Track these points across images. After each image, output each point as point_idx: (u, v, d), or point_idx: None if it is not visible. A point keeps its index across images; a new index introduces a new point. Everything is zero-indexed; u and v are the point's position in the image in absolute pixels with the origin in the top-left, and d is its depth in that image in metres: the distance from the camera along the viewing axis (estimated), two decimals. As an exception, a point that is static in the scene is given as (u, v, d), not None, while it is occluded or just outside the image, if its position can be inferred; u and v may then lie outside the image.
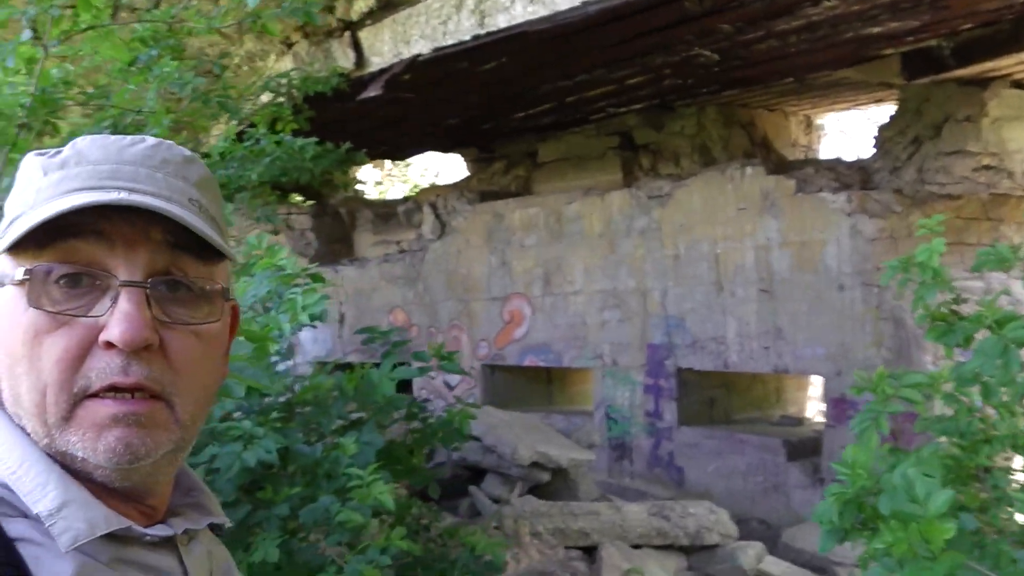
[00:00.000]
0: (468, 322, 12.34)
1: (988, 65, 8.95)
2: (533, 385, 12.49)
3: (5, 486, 0.83)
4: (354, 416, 4.16)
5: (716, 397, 10.45)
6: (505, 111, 12.64)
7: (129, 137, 0.92)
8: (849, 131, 15.18)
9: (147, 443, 0.85)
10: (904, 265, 3.58)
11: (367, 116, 11.65)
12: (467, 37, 8.51)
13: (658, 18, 8.37)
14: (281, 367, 4.35)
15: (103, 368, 0.83)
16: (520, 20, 8.03)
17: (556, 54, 9.52)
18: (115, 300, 0.84)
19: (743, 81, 10.96)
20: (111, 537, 0.84)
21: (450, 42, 8.67)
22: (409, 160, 20.64)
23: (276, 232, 7.17)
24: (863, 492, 2.60)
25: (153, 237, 0.87)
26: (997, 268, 3.42)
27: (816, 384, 10.62)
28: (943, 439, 3.33)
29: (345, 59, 9.61)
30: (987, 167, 8.89)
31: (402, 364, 4.25)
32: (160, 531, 0.90)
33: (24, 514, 0.82)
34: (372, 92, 9.62)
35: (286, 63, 9.87)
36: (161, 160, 0.91)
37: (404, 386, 11.93)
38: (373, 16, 9.36)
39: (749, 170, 9.61)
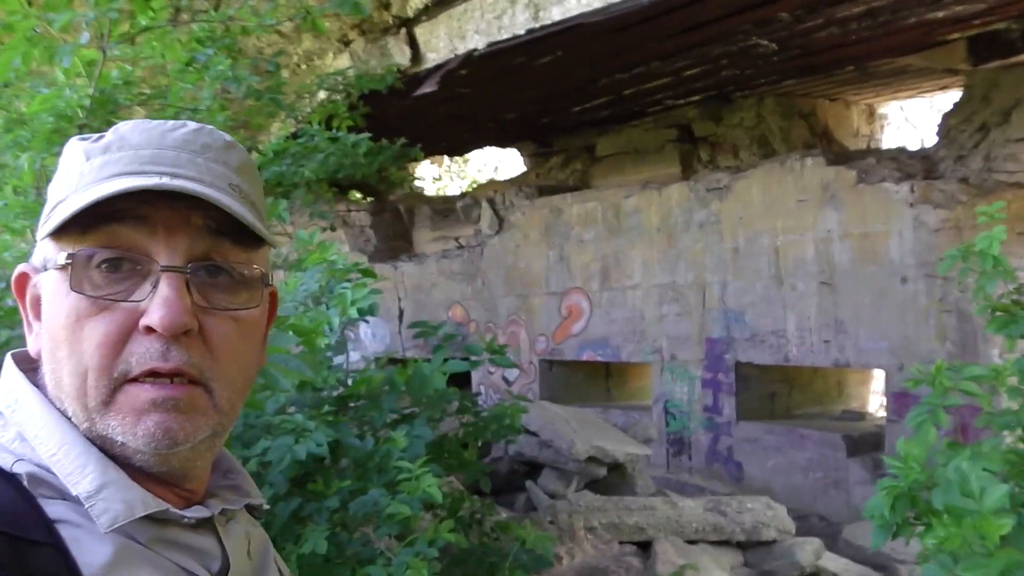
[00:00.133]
0: (526, 317, 12.34)
1: (1059, 48, 8.71)
2: (591, 380, 12.45)
3: (46, 468, 0.84)
4: (407, 411, 4.18)
5: (776, 392, 10.31)
6: (562, 105, 12.62)
7: (171, 122, 0.93)
8: (914, 119, 14.85)
9: (186, 428, 0.85)
10: (964, 254, 3.49)
11: (425, 113, 11.73)
12: (522, 31, 8.50)
13: (714, 8, 8.29)
14: (336, 361, 4.39)
15: (143, 353, 0.84)
16: (574, 13, 8.00)
17: (612, 47, 9.47)
18: (155, 285, 0.85)
19: (803, 70, 10.80)
20: (150, 519, 0.85)
21: (505, 36, 8.67)
22: (467, 156, 20.73)
23: (333, 229, 7.23)
24: (916, 486, 2.54)
25: (194, 222, 0.87)
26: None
27: (879, 378, 10.40)
28: (1007, 434, 3.24)
29: (401, 56, 9.67)
30: (1058, 154, 8.62)
31: (463, 359, 4.27)
32: (197, 512, 0.90)
33: (64, 496, 0.83)
34: (428, 88, 9.67)
35: (343, 61, 9.96)
36: (202, 145, 0.92)
37: (464, 381, 11.99)
38: (428, 12, 9.41)
39: (809, 161, 9.45)
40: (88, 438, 0.85)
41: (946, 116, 9.83)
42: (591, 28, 8.35)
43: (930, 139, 10.76)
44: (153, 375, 0.84)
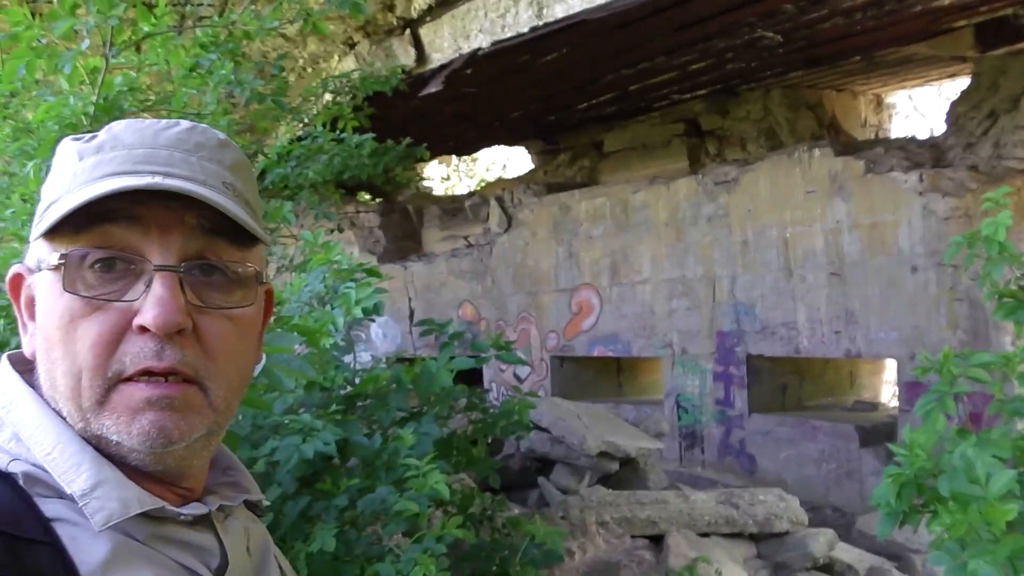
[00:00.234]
0: (536, 314, 12.34)
1: (1067, 33, 8.66)
2: (602, 376, 12.45)
3: (41, 467, 0.84)
4: (415, 409, 4.19)
5: (788, 384, 10.29)
6: (568, 102, 12.63)
7: (164, 121, 0.93)
8: (922, 108, 14.78)
9: (181, 427, 0.85)
10: (969, 241, 3.47)
11: (432, 113, 11.75)
12: (525, 29, 8.51)
13: (717, 1, 8.27)
14: (344, 360, 4.41)
15: (137, 352, 0.84)
16: (577, 9, 8.00)
17: (616, 43, 9.47)
18: (149, 284, 0.85)
19: (809, 62, 10.77)
20: (147, 516, 0.85)
21: (509, 35, 8.68)
22: (475, 155, 20.74)
23: (340, 230, 7.26)
24: (922, 473, 2.53)
25: (187, 221, 0.87)
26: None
27: (890, 368, 10.37)
28: (1018, 421, 3.22)
29: (406, 56, 9.69)
30: (1068, 139, 8.57)
31: (470, 357, 4.27)
32: (194, 509, 0.90)
33: (60, 495, 0.83)
34: (433, 88, 9.69)
35: (348, 63, 9.99)
36: (195, 144, 0.91)
37: (475, 379, 12.01)
38: (432, 13, 9.42)
39: (817, 152, 9.42)
40: (83, 438, 0.85)
41: (954, 104, 9.79)
42: (595, 25, 8.35)
43: (939, 127, 10.72)
44: (147, 374, 0.84)
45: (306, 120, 7.27)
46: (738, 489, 6.47)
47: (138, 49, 5.02)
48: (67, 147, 0.91)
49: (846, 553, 6.04)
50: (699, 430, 10.50)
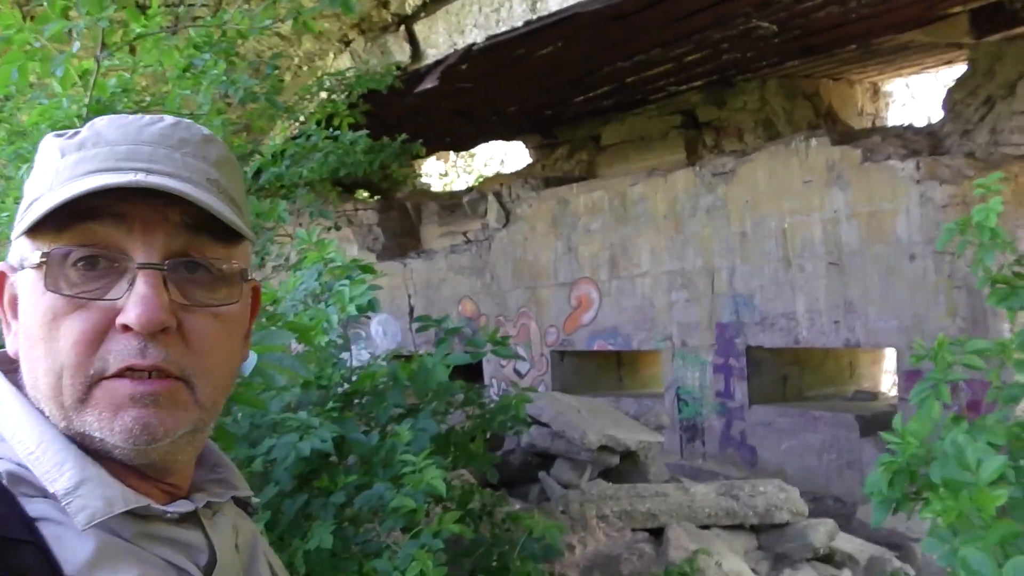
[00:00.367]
0: (536, 309, 12.35)
1: (1063, 18, 8.65)
2: (603, 369, 12.46)
3: (24, 466, 0.83)
4: (412, 405, 4.20)
5: (788, 374, 10.29)
6: (565, 96, 12.63)
7: (147, 116, 0.91)
8: (920, 96, 14.77)
9: (165, 423, 0.85)
10: (962, 227, 3.48)
11: (428, 109, 11.75)
12: (520, 23, 8.51)
13: (711, -8, 8.28)
14: (342, 357, 4.42)
15: (120, 351, 0.83)
16: (572, 3, 8.01)
17: (611, 36, 9.47)
18: (132, 283, 0.84)
19: (804, 51, 10.76)
20: (133, 514, 0.85)
21: (503, 29, 8.68)
22: (473, 151, 20.75)
23: (338, 228, 7.26)
24: (915, 461, 2.54)
25: (171, 219, 0.86)
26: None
27: (890, 357, 10.38)
28: (1020, 406, 3.23)
29: (401, 53, 9.69)
30: (1065, 125, 8.57)
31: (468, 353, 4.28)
32: (180, 507, 0.90)
33: (44, 494, 0.82)
34: (428, 84, 9.69)
35: (344, 61, 10.00)
36: (180, 140, 0.90)
37: (476, 375, 12.02)
38: (427, 9, 9.43)
39: (814, 142, 9.42)
40: (67, 436, 0.85)
41: (950, 91, 9.78)
42: (589, 17, 8.35)
43: (936, 115, 10.71)
44: (131, 371, 0.83)
45: (302, 119, 7.27)
46: (738, 481, 6.48)
47: (132, 50, 5.02)
48: (49, 144, 0.91)
49: (847, 543, 6.05)
50: (700, 422, 10.51)
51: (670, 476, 7.02)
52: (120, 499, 0.83)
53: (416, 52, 9.63)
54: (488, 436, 4.58)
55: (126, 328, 0.83)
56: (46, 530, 0.80)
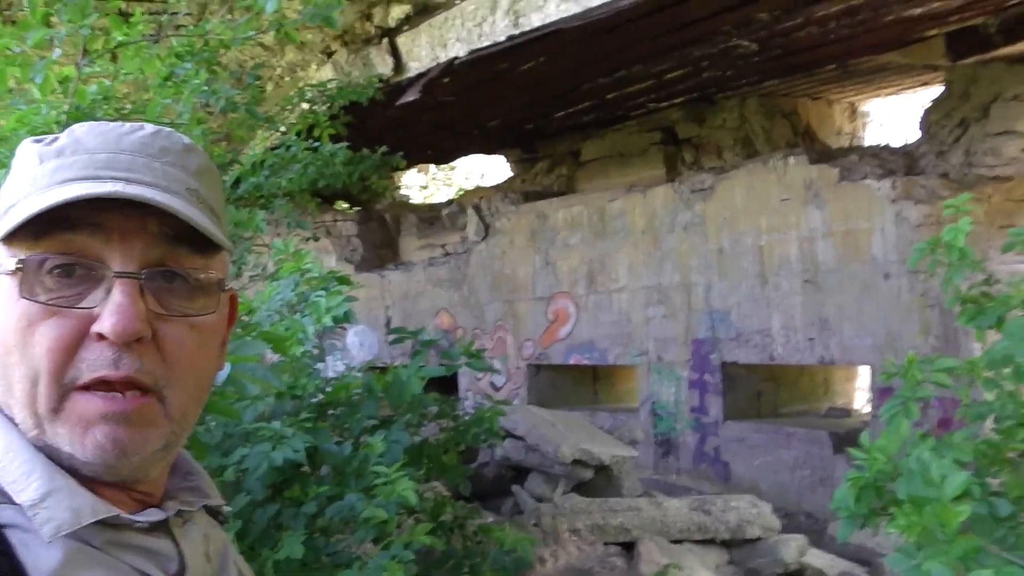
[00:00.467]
0: (513, 323, 12.37)
1: (1037, 42, 8.77)
2: (579, 384, 12.48)
3: None
4: (386, 416, 4.20)
5: (763, 391, 10.35)
6: (546, 111, 12.67)
7: (128, 124, 0.91)
8: (897, 116, 14.93)
9: (136, 440, 0.84)
10: (932, 247, 3.53)
11: (409, 122, 11.76)
12: (502, 38, 8.54)
13: (693, 10, 8.33)
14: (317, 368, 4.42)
15: (94, 360, 0.82)
16: (554, 18, 8.04)
17: (593, 51, 9.52)
18: (109, 291, 0.83)
19: (784, 70, 10.85)
20: (104, 522, 0.84)
21: (486, 44, 8.71)
22: (453, 164, 20.76)
23: (316, 239, 7.25)
24: (882, 476, 2.57)
25: (149, 228, 0.85)
26: (1028, 249, 3.34)
27: (864, 375, 10.46)
28: (988, 424, 3.27)
29: (384, 65, 9.71)
30: (1037, 147, 8.68)
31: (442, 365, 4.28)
32: (150, 516, 0.89)
33: (12, 501, 0.81)
34: (410, 97, 9.71)
35: (326, 72, 10.00)
36: (160, 149, 0.90)
37: (451, 387, 12.01)
38: (410, 22, 9.45)
39: (792, 160, 9.50)
40: (36, 446, 0.84)
41: (926, 112, 9.90)
42: (571, 33, 8.39)
43: (913, 135, 10.83)
44: (103, 383, 0.83)
45: (282, 129, 7.26)
46: (711, 496, 6.51)
47: (113, 57, 5.01)
48: (28, 149, 0.90)
49: (817, 558, 6.09)
50: (674, 437, 10.55)
51: (644, 491, 7.04)
52: (89, 510, 0.82)
53: (398, 65, 9.65)
54: (462, 449, 4.59)
55: (101, 337, 0.82)
56: (13, 537, 0.80)
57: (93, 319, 0.83)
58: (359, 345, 13.46)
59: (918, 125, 10.03)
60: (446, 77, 9.58)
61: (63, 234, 0.83)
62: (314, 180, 6.21)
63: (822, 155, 10.06)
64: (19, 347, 0.83)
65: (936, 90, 10.80)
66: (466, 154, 17.09)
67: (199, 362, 0.90)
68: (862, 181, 8.92)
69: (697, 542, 5.81)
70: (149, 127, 0.91)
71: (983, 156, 8.88)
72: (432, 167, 21.69)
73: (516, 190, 13.71)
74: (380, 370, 4.55)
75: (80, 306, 0.83)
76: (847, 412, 10.47)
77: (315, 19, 4.12)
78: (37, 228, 0.83)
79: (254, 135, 7.33)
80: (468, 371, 4.70)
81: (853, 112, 13.32)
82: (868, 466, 2.60)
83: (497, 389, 12.22)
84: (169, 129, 0.93)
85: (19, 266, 0.83)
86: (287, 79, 10.36)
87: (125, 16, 4.92)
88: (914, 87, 12.59)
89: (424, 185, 23.01)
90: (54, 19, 4.48)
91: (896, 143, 10.91)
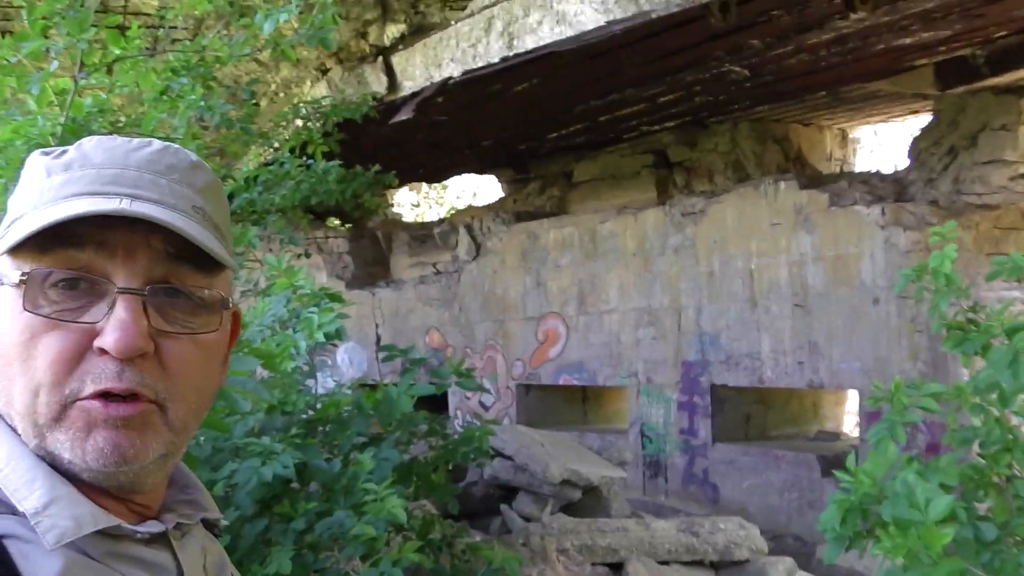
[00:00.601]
0: (503, 342, 12.38)
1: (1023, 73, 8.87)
2: (568, 404, 12.49)
3: None
4: (375, 434, 4.21)
5: (752, 413, 10.38)
6: (539, 132, 12.73)
7: (136, 140, 0.91)
8: (887, 143, 15.05)
9: (136, 445, 0.84)
10: (918, 273, 3.57)
11: (403, 140, 11.80)
12: (496, 59, 8.60)
13: (685, 36, 8.40)
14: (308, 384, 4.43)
15: (97, 374, 0.83)
16: (547, 41, 8.10)
17: (586, 74, 9.59)
18: (112, 306, 0.84)
19: (775, 96, 10.93)
20: (103, 533, 0.84)
21: (480, 64, 8.76)
22: (446, 183, 20.82)
23: (307, 255, 7.25)
24: (867, 499, 2.59)
25: (154, 246, 0.86)
26: (1012, 277, 3.38)
27: (853, 398, 10.50)
28: (974, 449, 3.30)
29: (378, 84, 9.77)
30: (1024, 176, 8.78)
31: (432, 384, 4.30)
32: (150, 527, 0.89)
33: (12, 511, 0.81)
34: (403, 115, 9.75)
35: (321, 89, 10.05)
36: (167, 166, 0.90)
37: (441, 406, 11.99)
38: (405, 41, 9.52)
39: (782, 185, 9.57)
40: (38, 455, 0.84)
41: (916, 140, 9.99)
42: (565, 56, 8.45)
43: (902, 162, 10.93)
44: (106, 396, 0.83)
45: (276, 145, 7.28)
46: (699, 517, 6.51)
47: (109, 70, 5.03)
48: (36, 161, 0.91)
49: (805, 581, 6.10)
50: (663, 459, 10.55)
51: (632, 512, 7.04)
52: (90, 519, 0.83)
53: (393, 83, 9.71)
54: (451, 467, 4.60)
55: (103, 351, 0.83)
56: (13, 547, 0.80)
57: (96, 334, 0.84)
58: (349, 362, 13.45)
59: (907, 152, 10.12)
60: (440, 96, 9.64)
61: (68, 250, 0.84)
62: (307, 197, 6.23)
63: (812, 180, 10.14)
64: (21, 359, 0.84)
65: (925, 118, 10.91)
66: (459, 173, 17.15)
67: (201, 378, 0.91)
68: (852, 207, 8.99)
69: (685, 563, 5.82)
70: (157, 143, 0.92)
71: (971, 184, 8.96)
72: (424, 186, 21.75)
73: (508, 210, 13.76)
74: (370, 387, 4.56)
75: (83, 320, 0.84)
76: (836, 436, 10.50)
77: (312, 40, 4.15)
78: (43, 242, 0.83)
79: (248, 150, 7.36)
80: (458, 390, 4.71)
81: (843, 138, 13.43)
82: (854, 489, 2.63)
83: (486, 408, 12.22)
84: (176, 146, 0.94)
85: (23, 278, 0.84)
86: (281, 95, 10.41)
87: (122, 30, 4.95)
88: (904, 115, 12.70)
89: (416, 203, 23.07)
90: (52, 32, 4.51)
91: (886, 170, 11.02)
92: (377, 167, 7.43)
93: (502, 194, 16.39)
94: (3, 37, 4.31)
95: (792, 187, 9.47)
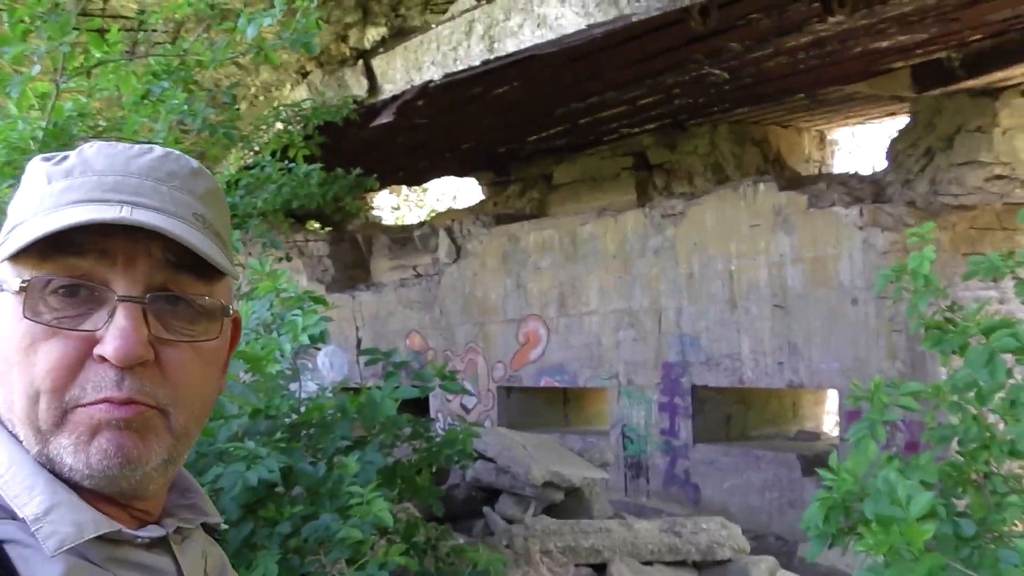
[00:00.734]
0: (484, 345, 12.39)
1: (998, 75, 8.96)
2: (549, 406, 12.51)
3: None
4: (359, 437, 4.21)
5: (732, 414, 10.43)
6: (519, 135, 12.76)
7: (137, 147, 0.91)
8: (864, 145, 15.18)
9: (139, 448, 0.85)
10: (897, 273, 3.62)
11: (383, 143, 11.80)
12: (477, 62, 8.60)
13: (665, 40, 8.46)
14: (291, 388, 4.42)
15: (98, 382, 0.83)
16: (528, 44, 8.11)
17: (566, 78, 9.63)
18: (112, 314, 0.84)
19: (754, 98, 11.02)
20: (104, 538, 0.84)
21: (460, 67, 8.77)
22: (426, 185, 20.81)
23: (288, 259, 7.24)
24: (849, 497, 2.63)
25: (154, 253, 0.86)
26: (987, 277, 3.43)
27: (832, 398, 10.58)
28: (953, 446, 3.35)
29: (358, 87, 9.75)
30: (1000, 177, 8.87)
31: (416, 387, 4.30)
32: (151, 532, 0.89)
33: (12, 516, 0.81)
34: (384, 119, 9.75)
35: (301, 92, 10.02)
36: (168, 172, 0.90)
37: (422, 409, 11.99)
38: (385, 44, 9.51)
39: (762, 186, 9.63)
40: (39, 462, 0.84)
41: (893, 141, 10.09)
42: (545, 59, 8.48)
43: (880, 164, 11.03)
44: (107, 403, 0.83)
45: (257, 148, 7.26)
46: (681, 518, 6.55)
47: (89, 75, 5.01)
48: (37, 167, 0.90)
49: (787, 580, 6.14)
50: (644, 460, 10.59)
51: (614, 513, 7.07)
52: (91, 524, 0.83)
53: (373, 86, 9.70)
54: (434, 470, 4.60)
55: (103, 359, 0.83)
56: (13, 552, 0.80)
57: (95, 341, 0.84)
58: (329, 366, 13.42)
59: (885, 154, 10.21)
60: (420, 100, 9.64)
61: (69, 257, 0.84)
62: (288, 200, 6.22)
63: (791, 182, 10.21)
64: (21, 365, 0.84)
65: (902, 120, 11.02)
66: (439, 176, 17.15)
67: (201, 385, 0.92)
68: (830, 208, 9.07)
69: (668, 564, 5.85)
70: (158, 150, 0.92)
71: (948, 185, 9.05)
72: (404, 188, 21.73)
73: (488, 213, 13.77)
74: (353, 391, 4.56)
75: (83, 328, 0.84)
76: (816, 435, 10.57)
77: (295, 45, 4.15)
78: (43, 249, 0.83)
79: (228, 154, 7.34)
80: (439, 393, 4.72)
81: (822, 140, 13.54)
82: (836, 486, 2.66)
83: (468, 411, 12.22)
84: (178, 152, 0.94)
85: (24, 286, 0.84)
86: (261, 98, 10.38)
87: (101, 33, 4.94)
88: (881, 117, 12.82)
89: (396, 206, 23.04)
90: (32, 36, 4.49)
91: (864, 171, 11.10)
92: (358, 170, 7.42)
93: (482, 197, 16.41)
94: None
95: (771, 189, 9.54)
